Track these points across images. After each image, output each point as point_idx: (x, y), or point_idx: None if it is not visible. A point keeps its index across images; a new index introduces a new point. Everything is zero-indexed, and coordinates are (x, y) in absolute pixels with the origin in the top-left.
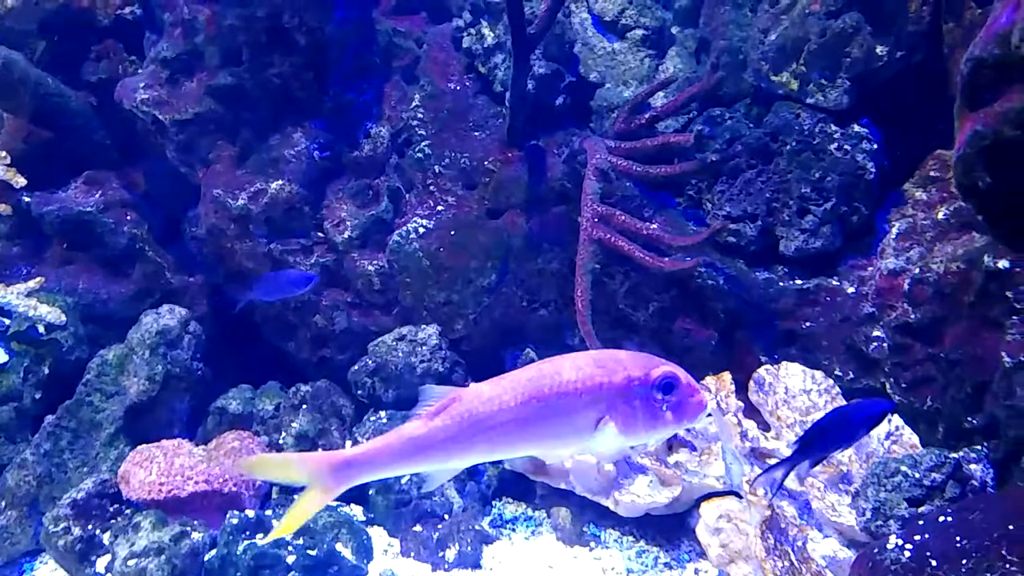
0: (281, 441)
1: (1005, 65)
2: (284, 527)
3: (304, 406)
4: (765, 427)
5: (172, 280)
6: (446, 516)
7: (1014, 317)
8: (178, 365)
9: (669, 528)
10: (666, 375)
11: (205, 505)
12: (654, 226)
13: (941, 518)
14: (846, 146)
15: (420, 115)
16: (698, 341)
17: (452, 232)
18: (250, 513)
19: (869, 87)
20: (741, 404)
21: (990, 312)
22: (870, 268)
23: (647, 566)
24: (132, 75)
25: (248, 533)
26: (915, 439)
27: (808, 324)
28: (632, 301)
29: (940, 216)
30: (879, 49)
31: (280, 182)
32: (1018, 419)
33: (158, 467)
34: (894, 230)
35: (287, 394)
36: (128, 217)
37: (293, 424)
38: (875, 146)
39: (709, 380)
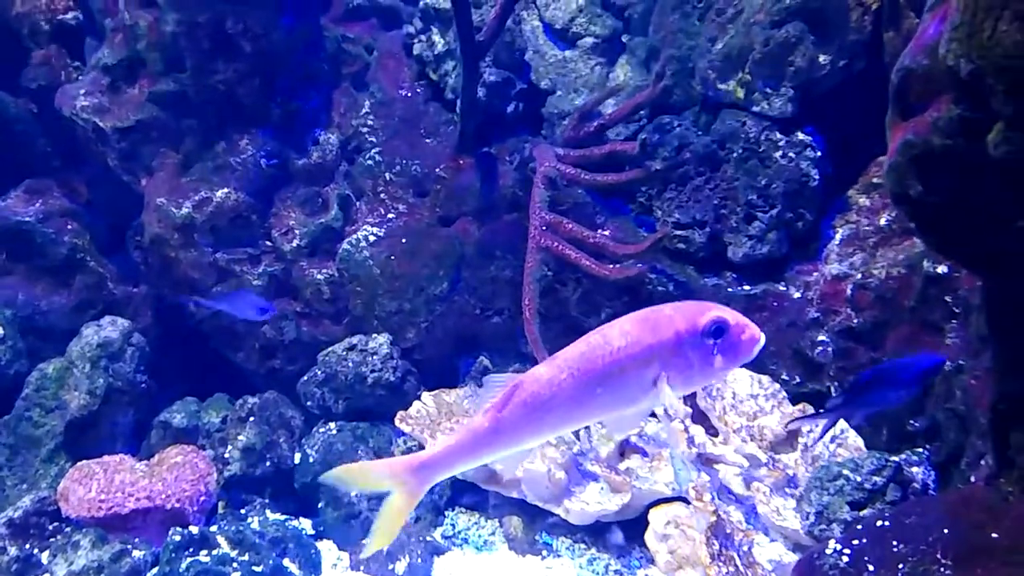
0: (227, 455)
1: (933, 75)
2: (378, 539)
3: (251, 418)
4: (715, 432)
5: (115, 291)
6: None
7: (953, 321)
8: (120, 378)
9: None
10: (714, 321)
11: (147, 522)
12: (606, 232)
13: (879, 522)
14: (791, 153)
15: (370, 122)
16: None
17: (403, 240)
18: (194, 530)
19: (813, 95)
20: (689, 410)
21: (930, 316)
22: (815, 273)
23: (598, 573)
24: (74, 82)
25: (192, 550)
26: (860, 442)
27: None
28: (585, 308)
29: (882, 222)
30: (822, 58)
31: (226, 190)
32: (957, 422)
33: (98, 484)
34: (838, 236)
35: (234, 406)
36: (69, 226)
37: (240, 437)
38: (819, 153)
39: None
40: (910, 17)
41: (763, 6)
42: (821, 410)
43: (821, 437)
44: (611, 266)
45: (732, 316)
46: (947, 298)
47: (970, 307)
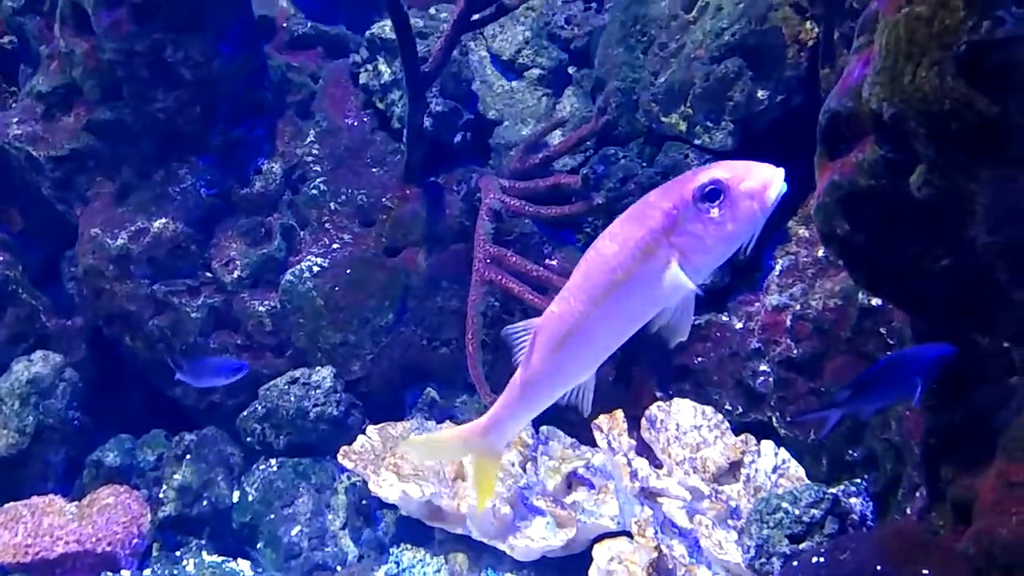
0: (162, 495)
1: (857, 117)
2: (483, 496)
3: (188, 456)
4: (660, 464)
5: (48, 324)
6: (339, 567)
7: (888, 352)
8: (52, 415)
9: (568, 569)
10: (704, 185)
11: (77, 566)
12: (553, 263)
13: (815, 558)
14: None
15: (315, 151)
16: (596, 378)
17: (348, 271)
18: (126, 574)
19: (752, 129)
20: (633, 442)
21: (865, 347)
22: (757, 304)
23: None
24: (9, 108)
25: None
26: (801, 472)
27: (700, 359)
28: None
29: (820, 253)
30: (760, 93)
31: (164, 220)
32: (894, 452)
33: (25, 527)
34: (778, 267)
35: (171, 443)
36: (1, 257)
37: (175, 476)
38: None
39: (603, 418)
40: (844, 55)
41: (703, 42)
42: (828, 406)
43: (827, 433)
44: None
45: (728, 171)
46: (881, 330)
47: (904, 338)
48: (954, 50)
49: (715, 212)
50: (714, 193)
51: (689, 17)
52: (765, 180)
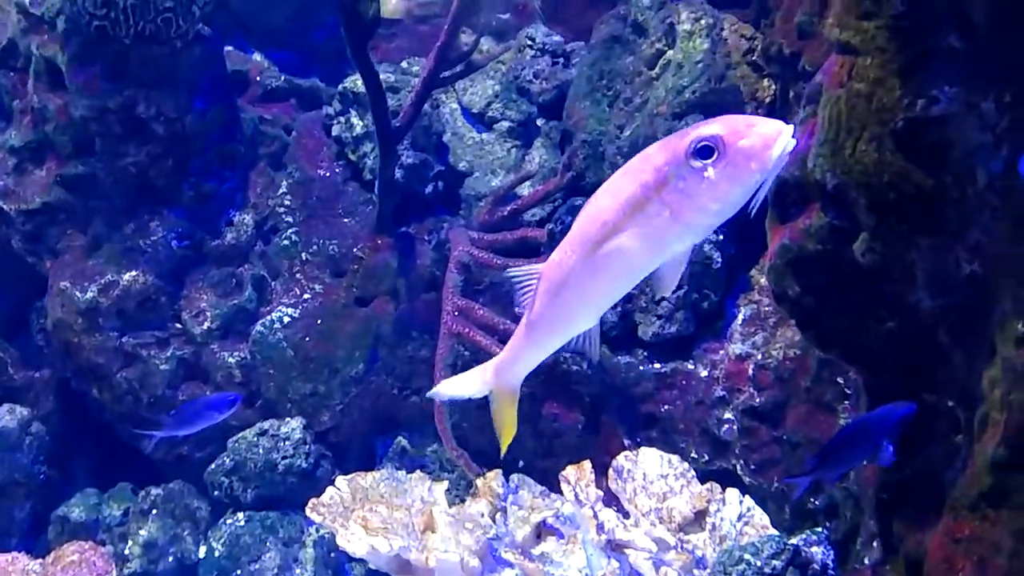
0: (127, 551)
1: (804, 185)
2: (505, 435)
3: (154, 511)
4: (628, 514)
5: (15, 376)
6: None
7: (846, 402)
8: (17, 470)
9: None
10: (696, 140)
11: None
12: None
13: None
14: None
15: (287, 202)
16: (566, 425)
17: (319, 321)
18: None
19: None
20: (601, 493)
21: (824, 397)
22: (721, 352)
23: None
24: None
25: None
26: (766, 519)
27: (666, 407)
28: None
29: None
30: None
31: (134, 273)
32: (853, 501)
33: None
34: (741, 315)
35: (137, 498)
36: None
37: (141, 532)
38: (721, 237)
39: (570, 470)
40: (799, 112)
41: (665, 99)
42: (802, 472)
43: (798, 497)
44: None
45: (726, 127)
46: (839, 379)
47: (859, 389)
48: (892, 126)
49: (710, 171)
50: (707, 150)
51: (652, 74)
52: (766, 138)
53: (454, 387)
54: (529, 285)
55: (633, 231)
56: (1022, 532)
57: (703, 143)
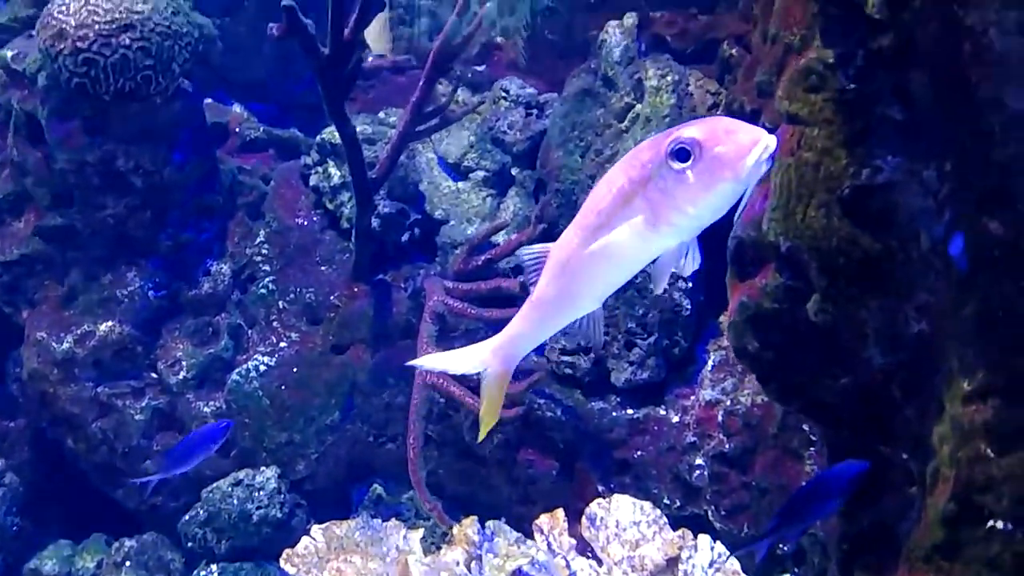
0: None
1: (760, 245)
2: (487, 419)
3: (128, 563)
4: (601, 562)
5: None
6: None
7: (811, 448)
8: None
9: None
10: (675, 141)
11: None
12: None
13: None
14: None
15: (265, 251)
16: (540, 472)
17: (295, 369)
18: None
19: None
20: (574, 541)
21: (791, 443)
22: (692, 398)
23: None
24: None
25: None
26: (737, 565)
27: (639, 453)
28: (477, 433)
29: None
30: None
31: (110, 323)
32: (820, 547)
33: None
34: (711, 362)
35: (111, 549)
36: None
37: None
38: (690, 284)
39: (543, 518)
40: None
41: None
42: (761, 535)
43: (761, 559)
44: None
45: (704, 132)
46: (805, 426)
47: (821, 439)
48: (839, 193)
49: (689, 174)
50: (683, 152)
51: (622, 126)
52: (740, 148)
53: (445, 361)
54: (539, 265)
55: (623, 226)
56: None
57: (680, 145)
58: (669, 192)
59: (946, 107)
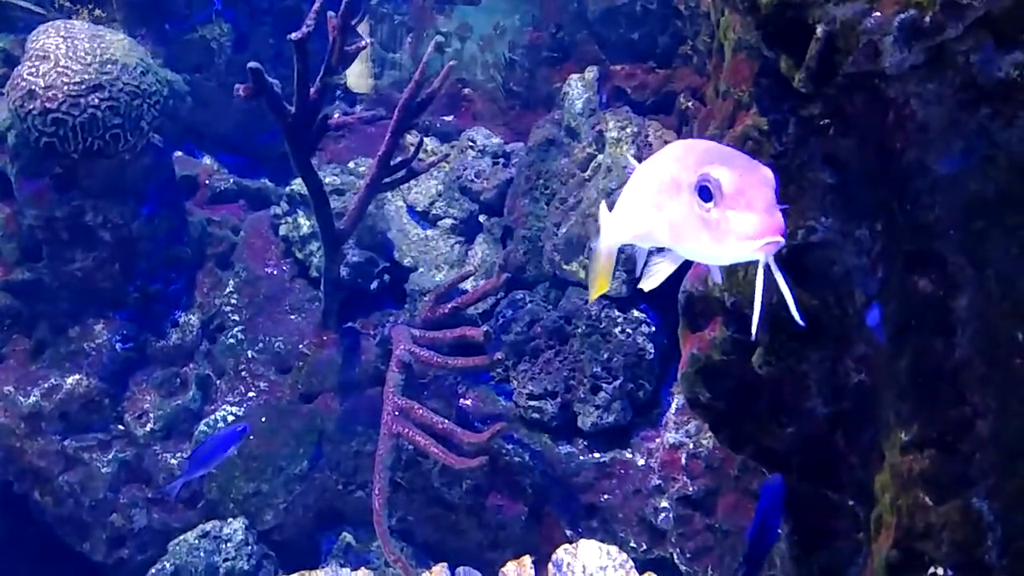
0: None
1: (708, 300)
2: (597, 289)
3: None
4: None
5: None
6: None
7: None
8: None
9: None
10: (703, 179)
11: None
12: (467, 402)
13: None
14: (628, 329)
15: (234, 300)
16: (509, 517)
17: (263, 419)
18: None
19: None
20: None
21: (751, 485)
22: (657, 440)
23: None
24: None
25: None
26: None
27: (606, 497)
28: (447, 479)
29: None
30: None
31: (77, 376)
32: None
33: None
34: (674, 405)
35: None
36: None
37: None
38: (653, 328)
39: (510, 566)
40: None
41: (596, 200)
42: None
43: None
44: (459, 457)
45: (732, 183)
46: (764, 469)
47: None
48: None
49: (713, 212)
50: (705, 192)
51: (585, 175)
52: (746, 235)
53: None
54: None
55: (654, 214)
56: None
57: (703, 185)
58: (687, 216)
59: (875, 171)
